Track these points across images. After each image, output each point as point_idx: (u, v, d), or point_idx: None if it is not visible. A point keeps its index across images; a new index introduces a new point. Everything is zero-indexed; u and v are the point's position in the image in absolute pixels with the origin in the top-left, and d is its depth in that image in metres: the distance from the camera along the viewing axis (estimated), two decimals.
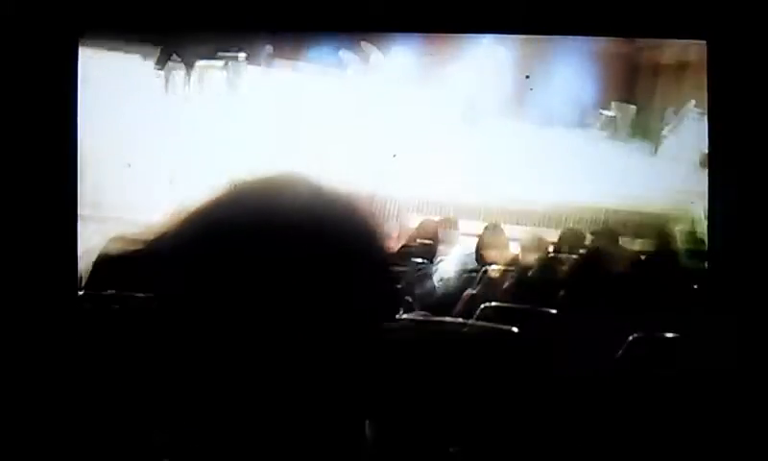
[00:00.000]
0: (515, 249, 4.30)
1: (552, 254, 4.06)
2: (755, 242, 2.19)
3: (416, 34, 9.62)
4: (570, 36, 8.74)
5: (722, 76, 2.18)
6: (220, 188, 0.65)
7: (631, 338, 2.47)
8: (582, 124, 9.62)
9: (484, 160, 6.62)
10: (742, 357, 2.14)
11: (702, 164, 8.11)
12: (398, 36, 9.48)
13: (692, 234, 6.43)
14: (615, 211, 6.01)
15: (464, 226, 4.96)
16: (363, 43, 9.30)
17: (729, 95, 2.17)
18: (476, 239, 4.35)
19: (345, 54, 9.60)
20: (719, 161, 2.26)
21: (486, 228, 4.58)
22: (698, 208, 6.75)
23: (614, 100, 9.57)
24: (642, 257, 4.29)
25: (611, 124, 9.45)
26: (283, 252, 0.59)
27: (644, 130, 9.29)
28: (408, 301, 2.95)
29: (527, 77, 9.10)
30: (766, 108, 2.18)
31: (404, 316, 2.57)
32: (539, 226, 5.30)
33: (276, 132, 6.44)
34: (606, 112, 9.29)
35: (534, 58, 9.28)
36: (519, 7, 2.24)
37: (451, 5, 2.22)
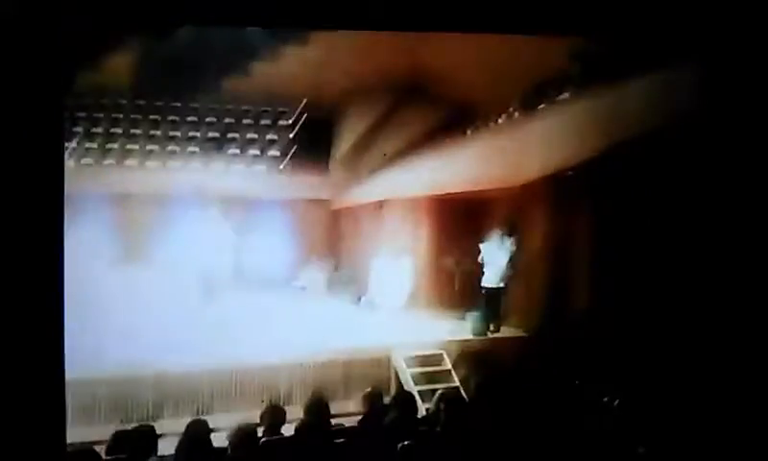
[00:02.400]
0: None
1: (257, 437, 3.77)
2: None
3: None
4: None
5: (716, 95, 2.37)
6: None
7: None
8: (286, 284, 9.80)
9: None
10: None
11: (401, 307, 8.61)
12: None
13: (398, 386, 6.64)
14: (324, 372, 5.97)
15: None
16: None
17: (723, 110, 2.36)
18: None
19: None
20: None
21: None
22: (398, 357, 7.05)
23: (315, 259, 10.02)
24: (354, 423, 4.19)
25: (316, 282, 9.80)
26: None
27: (345, 285, 9.80)
28: None
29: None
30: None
31: None
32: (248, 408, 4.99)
33: None
34: (307, 274, 9.66)
35: (244, 223, 9.35)
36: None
37: None
